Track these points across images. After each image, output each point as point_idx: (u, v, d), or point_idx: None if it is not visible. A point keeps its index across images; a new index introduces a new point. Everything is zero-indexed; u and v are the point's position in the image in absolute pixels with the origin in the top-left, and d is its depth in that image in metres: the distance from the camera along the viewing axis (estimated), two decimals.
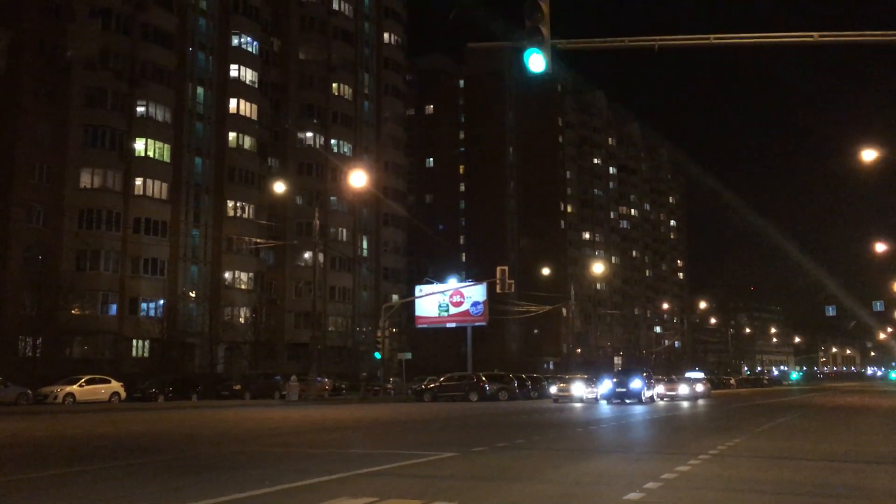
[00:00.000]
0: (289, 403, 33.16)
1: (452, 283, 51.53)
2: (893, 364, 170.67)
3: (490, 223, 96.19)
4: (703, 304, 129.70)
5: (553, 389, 37.02)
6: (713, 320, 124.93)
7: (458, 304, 50.47)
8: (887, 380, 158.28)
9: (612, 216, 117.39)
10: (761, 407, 31.68)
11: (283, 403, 33.48)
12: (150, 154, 48.58)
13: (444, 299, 50.74)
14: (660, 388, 39.05)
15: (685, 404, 34.61)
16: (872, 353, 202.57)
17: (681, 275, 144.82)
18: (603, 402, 34.01)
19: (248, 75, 55.78)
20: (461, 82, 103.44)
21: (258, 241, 48.85)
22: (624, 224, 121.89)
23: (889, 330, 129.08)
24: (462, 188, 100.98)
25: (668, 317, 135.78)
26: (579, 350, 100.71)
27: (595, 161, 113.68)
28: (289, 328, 60.21)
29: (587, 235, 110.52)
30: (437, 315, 51.07)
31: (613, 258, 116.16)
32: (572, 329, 79.73)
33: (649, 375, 36.96)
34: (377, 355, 39.43)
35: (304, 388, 35.91)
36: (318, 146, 62.72)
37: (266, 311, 57.99)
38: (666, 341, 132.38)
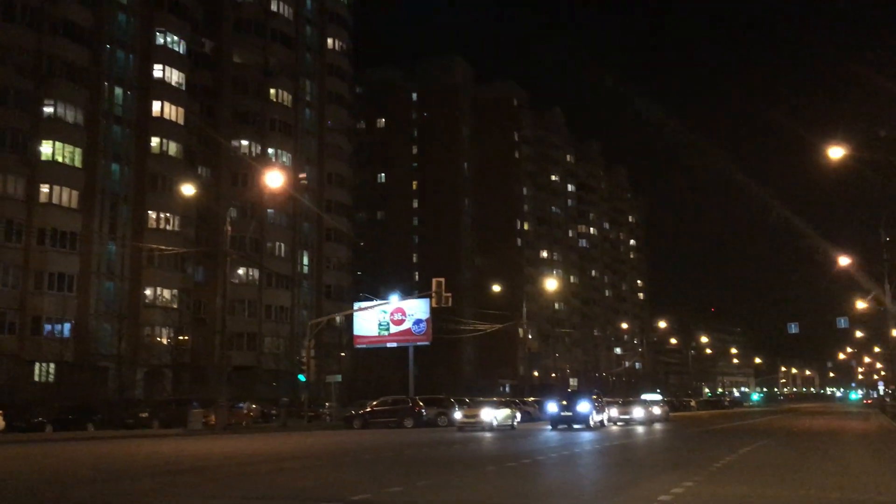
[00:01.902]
0: (191, 433, 29.02)
1: (394, 300, 47.70)
2: (853, 385, 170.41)
3: (444, 241, 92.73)
4: (663, 325, 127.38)
5: (458, 416, 31.46)
6: (673, 341, 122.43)
7: (399, 323, 46.72)
8: (847, 400, 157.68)
9: (570, 234, 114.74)
10: (722, 433, 28.39)
11: (185, 433, 29.32)
12: (59, 158, 44.25)
13: (384, 317, 46.97)
14: (613, 412, 35.71)
15: (640, 429, 31.13)
16: (832, 374, 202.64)
17: (641, 295, 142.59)
18: (548, 428, 30.38)
19: (175, 76, 51.78)
20: (414, 96, 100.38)
21: (173, 249, 44.41)
22: (583, 243, 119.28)
23: (849, 350, 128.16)
24: (415, 205, 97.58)
25: (628, 338, 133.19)
26: (536, 373, 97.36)
27: (553, 178, 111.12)
28: (220, 350, 55.65)
29: (545, 254, 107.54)
30: (376, 334, 47.25)
31: (572, 277, 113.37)
32: (526, 350, 76.25)
33: (599, 398, 33.58)
34: (301, 378, 35.45)
35: (209, 414, 31.69)
36: (253, 155, 58.74)
37: (194, 331, 53.67)
38: (626, 363, 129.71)
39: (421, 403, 34.94)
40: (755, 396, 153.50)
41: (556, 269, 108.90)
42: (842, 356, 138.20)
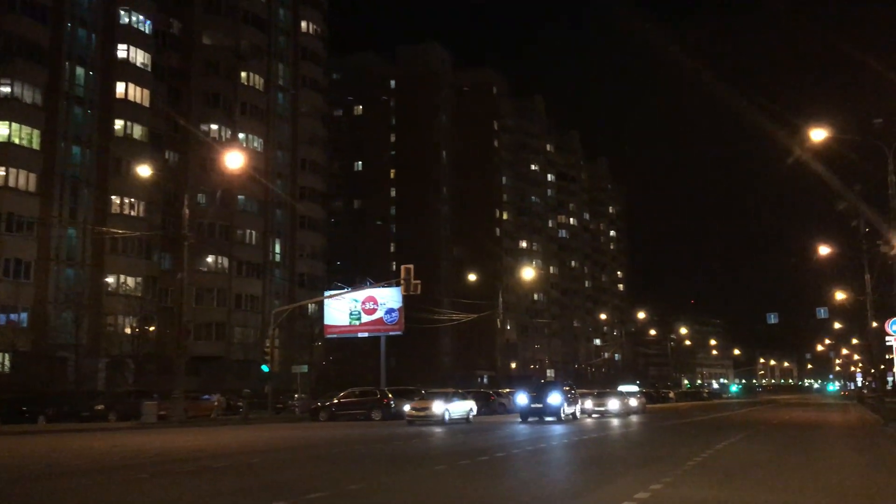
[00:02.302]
0: (143, 427, 27.57)
1: (369, 290, 46.24)
2: (830, 376, 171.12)
3: (422, 230, 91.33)
4: (642, 316, 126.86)
5: (406, 408, 29.11)
6: (652, 332, 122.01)
7: (370, 312, 45.35)
8: (825, 392, 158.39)
9: (549, 225, 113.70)
10: (699, 425, 27.37)
11: (137, 427, 27.87)
12: (16, 140, 42.45)
13: (355, 306, 45.57)
14: (588, 404, 34.59)
15: (615, 422, 30.00)
16: (810, 366, 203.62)
17: (621, 286, 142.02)
18: (518, 421, 29.16)
19: (140, 57, 49.99)
20: (392, 83, 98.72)
21: (128, 232, 42.75)
22: (562, 233, 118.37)
23: (827, 341, 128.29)
24: (393, 193, 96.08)
25: (607, 329, 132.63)
26: (514, 364, 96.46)
27: (532, 167, 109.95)
28: (188, 340, 54.09)
29: (524, 244, 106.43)
30: (347, 324, 45.88)
31: (551, 268, 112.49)
32: (503, 340, 75.24)
33: (572, 389, 32.16)
34: (265, 368, 34.03)
35: (167, 406, 30.21)
36: (223, 139, 57.04)
37: (160, 320, 52.04)
38: (606, 354, 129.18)
39: (390, 395, 33.69)
40: (734, 388, 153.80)
41: (536, 259, 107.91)
42: (820, 348, 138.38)
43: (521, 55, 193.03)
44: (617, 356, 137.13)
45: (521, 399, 30.01)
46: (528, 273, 55.35)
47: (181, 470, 12.63)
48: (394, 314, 44.86)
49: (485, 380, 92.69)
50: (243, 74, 58.63)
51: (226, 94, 57.33)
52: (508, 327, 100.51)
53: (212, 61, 56.88)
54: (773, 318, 47.33)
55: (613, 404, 35.50)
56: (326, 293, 47.55)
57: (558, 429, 23.52)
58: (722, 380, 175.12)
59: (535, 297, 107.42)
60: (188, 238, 30.71)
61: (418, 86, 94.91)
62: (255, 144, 59.10)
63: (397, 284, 46.65)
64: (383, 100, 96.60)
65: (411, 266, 31.83)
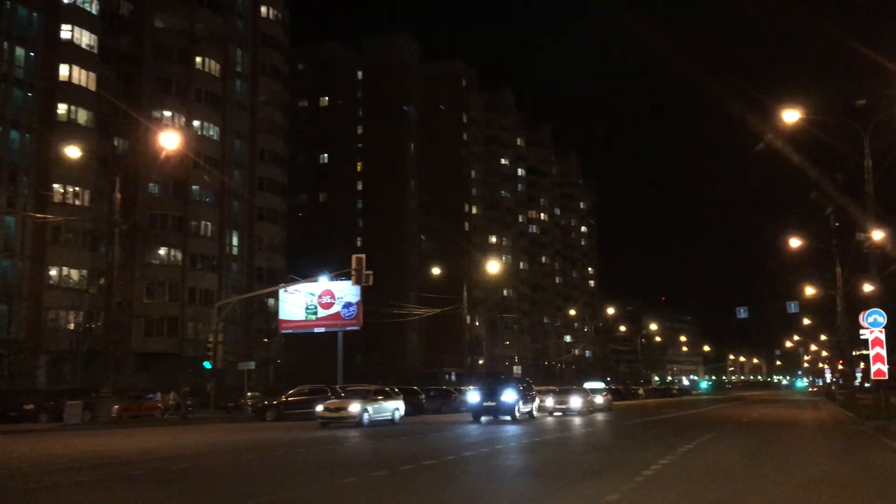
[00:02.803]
0: (63, 429, 25.35)
1: (323, 281, 44.23)
2: (799, 372, 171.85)
3: (389, 224, 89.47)
4: (613, 312, 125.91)
5: (319, 409, 25.89)
6: (622, 328, 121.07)
7: (327, 306, 43.42)
8: (794, 388, 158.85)
9: (520, 220, 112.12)
10: (665, 424, 25.79)
11: (58, 429, 25.64)
12: None
13: (312, 300, 43.61)
14: (548, 402, 32.90)
15: (577, 421, 28.29)
16: (779, 362, 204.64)
17: (592, 282, 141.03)
18: (469, 421, 27.28)
19: (86, 38, 47.49)
20: (359, 73, 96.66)
21: (59, 219, 40.36)
22: (533, 228, 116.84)
23: (797, 338, 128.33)
24: (359, 186, 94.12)
25: (578, 325, 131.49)
26: (482, 360, 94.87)
27: (503, 161, 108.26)
28: (138, 336, 51.86)
29: (493, 239, 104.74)
30: (303, 318, 43.89)
31: (522, 263, 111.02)
32: (472, 337, 73.48)
33: (529, 386, 30.37)
34: (207, 364, 31.91)
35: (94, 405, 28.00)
36: (177, 127, 54.58)
37: (107, 315, 49.57)
38: (576, 350, 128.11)
39: (342, 393, 31.70)
40: (704, 384, 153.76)
41: (506, 254, 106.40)
42: (789, 344, 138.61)
43: (492, 49, 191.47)
44: (588, 353, 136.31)
45: (473, 397, 28.06)
46: (493, 266, 53.47)
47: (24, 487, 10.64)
48: (351, 308, 42.96)
49: (452, 377, 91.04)
50: (198, 60, 56.25)
51: (179, 79, 54.95)
52: (477, 323, 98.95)
53: (164, 45, 54.46)
54: (742, 313, 46.14)
55: (575, 402, 33.55)
56: (281, 287, 45.41)
57: (511, 429, 21.76)
58: (692, 376, 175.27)
59: (505, 292, 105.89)
60: (119, 225, 28.37)
61: (386, 77, 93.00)
62: (211, 133, 56.78)
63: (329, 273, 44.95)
64: (350, 91, 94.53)
65: (363, 256, 30.04)
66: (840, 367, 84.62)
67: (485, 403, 27.02)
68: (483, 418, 27.11)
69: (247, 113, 61.26)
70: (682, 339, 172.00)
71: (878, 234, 24.17)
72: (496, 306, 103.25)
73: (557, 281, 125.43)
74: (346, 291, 43.23)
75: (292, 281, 45.19)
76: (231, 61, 59.56)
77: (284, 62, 65.85)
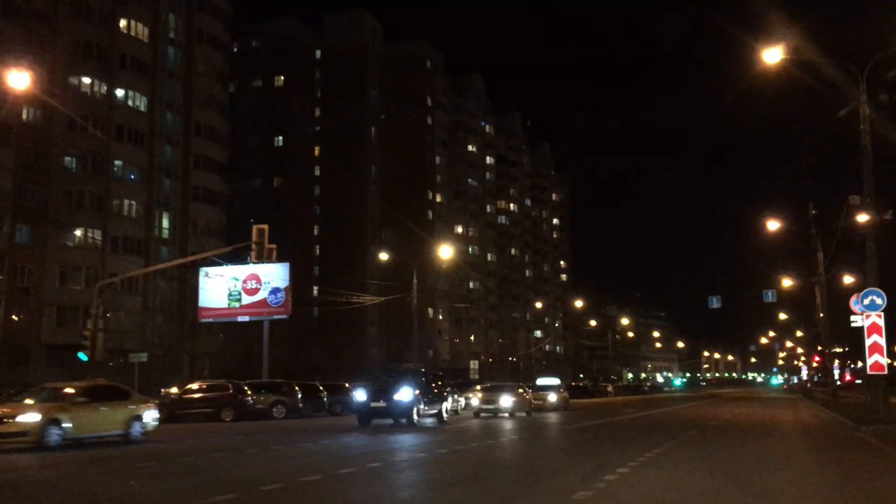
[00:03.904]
0: None
1: (251, 266, 39.35)
2: (774, 370, 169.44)
3: (349, 212, 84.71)
4: (584, 307, 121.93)
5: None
6: (593, 322, 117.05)
7: (253, 292, 38.58)
8: (768, 385, 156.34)
9: (488, 210, 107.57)
10: (624, 427, 21.43)
11: None
12: None
13: (235, 286, 38.74)
14: (474, 401, 28.43)
15: (506, 424, 23.37)
16: (753, 359, 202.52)
17: (564, 276, 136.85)
18: (356, 427, 21.95)
19: None
20: (318, 53, 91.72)
21: None
22: (502, 219, 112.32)
23: (772, 334, 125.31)
24: (317, 172, 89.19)
25: (549, 320, 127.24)
26: (445, 355, 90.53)
27: (470, 149, 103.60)
28: (48, 326, 46.71)
29: (459, 229, 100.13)
30: (226, 306, 39.01)
31: (489, 255, 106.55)
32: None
33: (435, 381, 25.03)
34: (82, 356, 27.00)
35: None
36: (98, 95, 49.46)
37: (13, 303, 44.56)
38: (546, 346, 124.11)
39: (248, 390, 27.03)
40: (677, 382, 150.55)
41: (472, 245, 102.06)
42: (764, 340, 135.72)
43: (460, 33, 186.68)
44: (559, 348, 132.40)
45: (360, 396, 22.79)
46: (446, 252, 48.55)
47: None
48: (279, 295, 38.17)
49: None
50: (122, 22, 50.99)
51: (101, 43, 49.66)
52: (441, 317, 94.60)
53: (83, 4, 49.12)
54: (715, 302, 42.11)
55: (506, 401, 28.28)
56: (202, 271, 40.49)
57: (400, 439, 16.78)
58: (666, 373, 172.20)
59: (471, 285, 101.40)
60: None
61: (346, 57, 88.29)
62: (138, 103, 51.59)
63: (287, 260, 40.20)
64: (308, 71, 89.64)
65: (265, 227, 25.35)
66: (816, 363, 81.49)
67: (372, 404, 22.02)
68: (374, 422, 22.28)
69: (181, 84, 56.12)
70: (656, 335, 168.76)
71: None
72: (461, 299, 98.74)
73: (527, 274, 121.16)
74: (274, 276, 38.46)
75: (215, 264, 40.29)
76: (162, 26, 54.38)
77: (224, 30, 60.62)
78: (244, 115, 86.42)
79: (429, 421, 23.06)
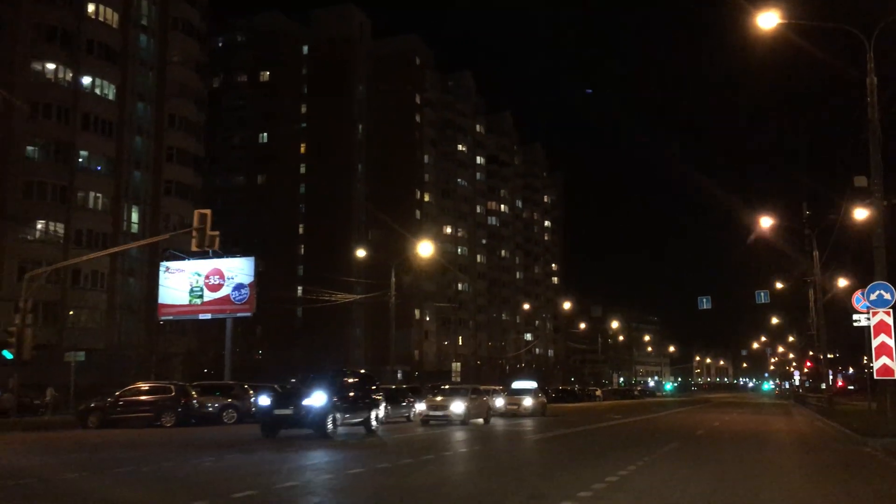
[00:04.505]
0: None
1: (214, 260, 37.18)
2: (766, 375, 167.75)
3: (334, 210, 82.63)
4: (576, 311, 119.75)
5: None
6: (582, 325, 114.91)
7: (216, 288, 36.36)
8: (760, 391, 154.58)
9: (478, 210, 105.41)
10: (599, 436, 19.31)
11: None
12: None
13: (197, 281, 36.50)
14: (419, 406, 26.01)
15: (458, 434, 20.30)
16: (745, 364, 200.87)
17: (555, 279, 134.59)
18: (258, 438, 18.65)
19: None
20: (305, 48, 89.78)
21: None
22: (492, 220, 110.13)
23: (763, 339, 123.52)
24: (302, 169, 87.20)
25: (540, 323, 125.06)
26: (431, 358, 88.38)
27: (460, 148, 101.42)
28: (6, 322, 44.23)
29: (448, 229, 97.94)
30: (187, 302, 36.76)
31: (479, 256, 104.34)
32: (421, 333, 66.92)
33: (363, 384, 21.33)
34: (6, 354, 24.71)
35: None
36: (63, 83, 47.23)
37: None
38: (538, 349, 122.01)
39: (193, 393, 24.79)
40: (668, 386, 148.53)
41: (462, 246, 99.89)
42: (756, 346, 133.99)
43: (453, 31, 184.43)
44: (550, 352, 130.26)
45: (263, 401, 19.68)
46: (424, 248, 46.19)
47: None
48: (243, 291, 35.94)
49: (399, 375, 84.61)
50: (90, 7, 48.78)
51: (67, 27, 47.45)
52: (427, 318, 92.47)
53: None
54: (705, 303, 40.06)
55: (457, 407, 24.77)
56: (162, 265, 38.25)
57: (308, 456, 14.02)
58: (656, 378, 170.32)
59: (460, 286, 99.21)
60: None
61: (334, 52, 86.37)
62: (106, 91, 49.37)
63: (253, 255, 38.13)
64: (294, 66, 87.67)
65: (207, 212, 23.06)
66: (807, 368, 79.62)
67: (276, 411, 18.56)
68: (289, 433, 18.71)
69: (154, 73, 53.90)
70: (647, 339, 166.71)
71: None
72: (449, 301, 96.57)
73: (518, 276, 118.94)
74: (238, 271, 36.25)
75: (177, 258, 38.09)
76: (134, 11, 52.18)
77: (201, 19, 58.42)
78: (228, 110, 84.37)
79: (343, 431, 19.48)
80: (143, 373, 48.46)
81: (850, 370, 76.82)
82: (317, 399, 18.26)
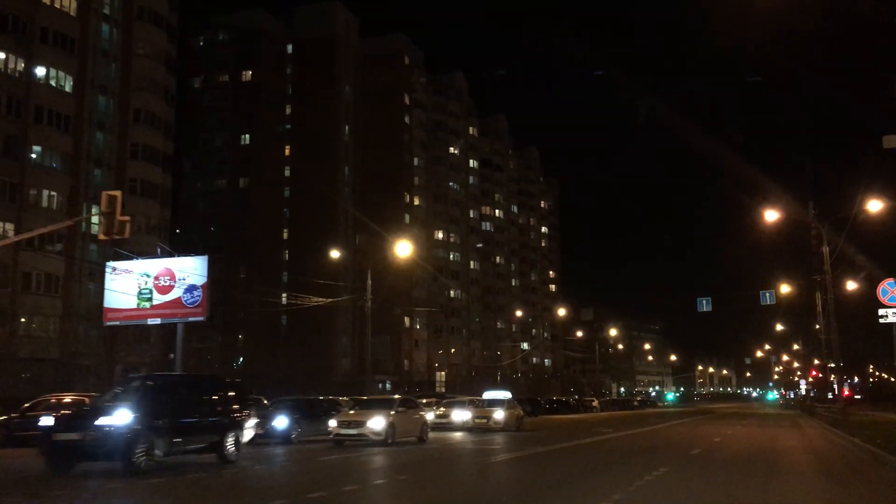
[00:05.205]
0: None
1: (164, 260, 33.79)
2: (770, 384, 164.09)
3: (320, 215, 79.55)
4: (574, 320, 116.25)
5: None
6: (580, 333, 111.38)
7: (166, 290, 32.80)
8: (765, 401, 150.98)
9: (471, 215, 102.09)
10: (570, 458, 15.91)
11: None
12: None
13: (146, 283, 33.01)
14: (331, 423, 20.43)
15: (376, 460, 16.60)
16: (748, 374, 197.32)
17: (552, 287, 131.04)
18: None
19: None
20: (289, 47, 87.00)
21: None
22: (486, 226, 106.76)
23: (767, 347, 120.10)
24: (287, 172, 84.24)
25: (536, 332, 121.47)
26: (422, 368, 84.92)
27: (452, 151, 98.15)
28: None
29: (440, 235, 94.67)
30: (134, 306, 33.25)
31: (472, 263, 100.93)
32: (411, 342, 63.68)
33: (200, 393, 16.34)
34: None
35: None
36: (15, 73, 44.05)
37: None
38: (535, 359, 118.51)
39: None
40: (669, 396, 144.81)
41: (454, 251, 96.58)
42: (760, 354, 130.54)
43: (445, 33, 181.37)
44: (547, 361, 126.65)
45: (45, 421, 14.96)
46: (402, 248, 42.58)
47: None
48: (196, 293, 32.41)
49: (387, 385, 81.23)
50: None
51: (19, 14, 44.29)
52: (418, 326, 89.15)
53: None
54: (705, 305, 36.77)
55: (376, 423, 19.96)
56: (109, 264, 34.84)
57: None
58: (657, 387, 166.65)
59: (452, 293, 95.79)
60: None
61: (319, 51, 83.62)
62: (63, 83, 46.14)
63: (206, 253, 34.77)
64: (278, 66, 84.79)
65: (117, 194, 19.71)
66: (812, 377, 76.20)
67: (59, 435, 13.47)
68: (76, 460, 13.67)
69: (117, 65, 50.73)
70: (647, 347, 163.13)
71: None
72: (441, 308, 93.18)
73: (514, 283, 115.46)
74: (191, 271, 32.72)
75: (125, 257, 34.68)
76: (95, 0, 49.07)
77: (169, 9, 55.25)
78: (209, 111, 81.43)
79: (176, 461, 14.78)
80: (101, 384, 45.18)
81: (856, 379, 73.90)
82: (119, 417, 13.26)
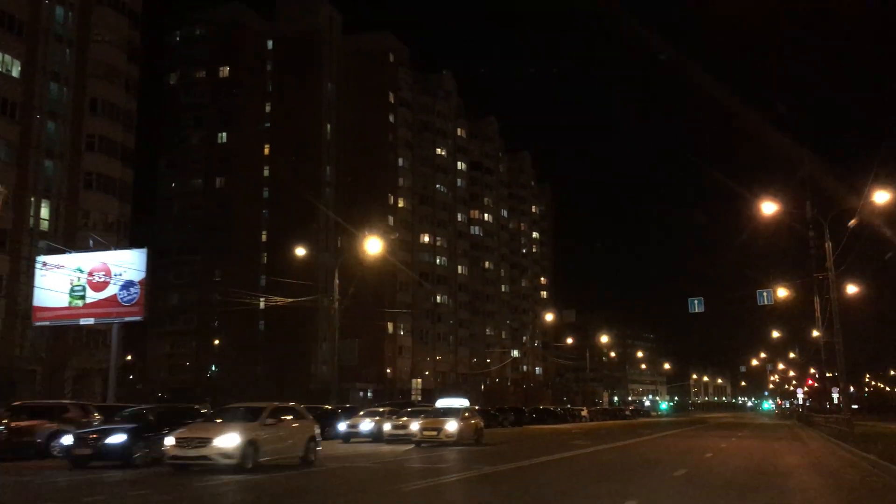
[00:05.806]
0: None
1: (98, 254, 30.74)
2: (766, 393, 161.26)
3: (301, 216, 76.29)
4: (567, 328, 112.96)
5: None
6: (570, 340, 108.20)
7: (100, 287, 29.82)
8: (760, 410, 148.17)
9: (459, 218, 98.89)
10: (538, 479, 12.77)
11: None
12: None
13: (79, 278, 29.97)
14: (168, 440, 15.15)
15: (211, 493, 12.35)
16: (743, 383, 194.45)
17: (544, 293, 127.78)
18: None
19: None
20: (270, 43, 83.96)
21: None
22: (475, 230, 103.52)
23: (762, 355, 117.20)
24: (266, 172, 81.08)
25: (527, 339, 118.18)
26: (406, 376, 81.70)
27: (439, 152, 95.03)
28: None
29: (426, 238, 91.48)
30: (66, 304, 30.18)
31: (460, 267, 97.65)
32: (394, 349, 60.33)
33: None
34: None
35: None
36: None
37: None
38: (525, 367, 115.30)
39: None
40: (664, 405, 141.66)
41: (440, 255, 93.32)
42: (755, 362, 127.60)
43: (436, 33, 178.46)
44: (538, 370, 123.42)
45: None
46: (372, 245, 39.52)
47: None
48: (133, 290, 29.38)
49: (369, 394, 78.04)
50: None
51: None
52: (402, 332, 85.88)
53: None
54: (696, 306, 33.81)
55: (226, 441, 14.84)
56: (39, 259, 31.71)
57: None
58: (651, 396, 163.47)
59: (439, 299, 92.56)
60: None
61: (301, 47, 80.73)
62: (9, 68, 43.00)
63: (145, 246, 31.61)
64: (258, 62, 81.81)
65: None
66: (807, 386, 73.35)
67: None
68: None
69: (73, 51, 47.61)
70: (640, 355, 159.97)
71: None
72: (427, 314, 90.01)
73: (504, 289, 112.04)
74: (128, 265, 29.72)
75: (57, 251, 31.56)
76: None
77: None
78: (185, 108, 78.39)
79: None
80: (52, 392, 41.96)
81: (851, 389, 71.36)
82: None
